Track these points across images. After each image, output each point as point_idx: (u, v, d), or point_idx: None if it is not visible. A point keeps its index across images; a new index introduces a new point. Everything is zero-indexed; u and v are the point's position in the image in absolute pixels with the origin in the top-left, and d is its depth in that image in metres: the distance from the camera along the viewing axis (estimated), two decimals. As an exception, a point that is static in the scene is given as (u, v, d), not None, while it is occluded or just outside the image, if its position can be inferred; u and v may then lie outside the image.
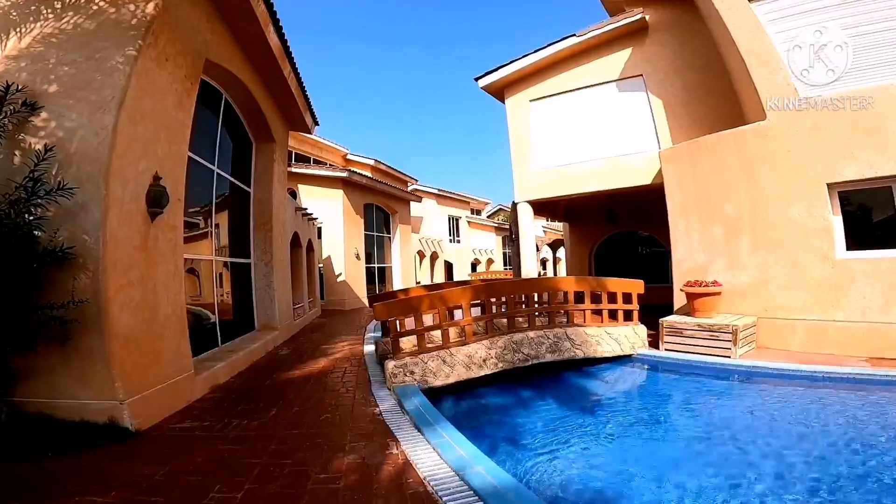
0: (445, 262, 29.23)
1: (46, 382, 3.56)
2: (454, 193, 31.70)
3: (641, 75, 9.37)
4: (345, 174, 16.45)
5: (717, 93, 8.47)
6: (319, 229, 16.32)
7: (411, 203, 23.16)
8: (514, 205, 12.24)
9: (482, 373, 5.75)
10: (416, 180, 27.74)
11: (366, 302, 17.68)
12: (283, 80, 8.23)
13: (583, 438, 4.22)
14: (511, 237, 16.93)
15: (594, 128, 9.97)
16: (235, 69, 6.67)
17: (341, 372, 6.08)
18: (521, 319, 6.63)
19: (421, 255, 25.74)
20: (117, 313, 3.63)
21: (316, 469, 3.00)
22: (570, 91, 10.29)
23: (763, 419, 4.51)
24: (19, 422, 3.41)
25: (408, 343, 5.88)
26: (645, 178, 9.29)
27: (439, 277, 28.29)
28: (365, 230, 18.61)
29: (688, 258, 8.15)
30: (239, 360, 6.26)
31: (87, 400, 3.56)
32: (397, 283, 21.42)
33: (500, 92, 11.19)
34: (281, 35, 7.25)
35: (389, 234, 21.61)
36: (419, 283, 26.02)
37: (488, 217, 38.64)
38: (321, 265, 16.36)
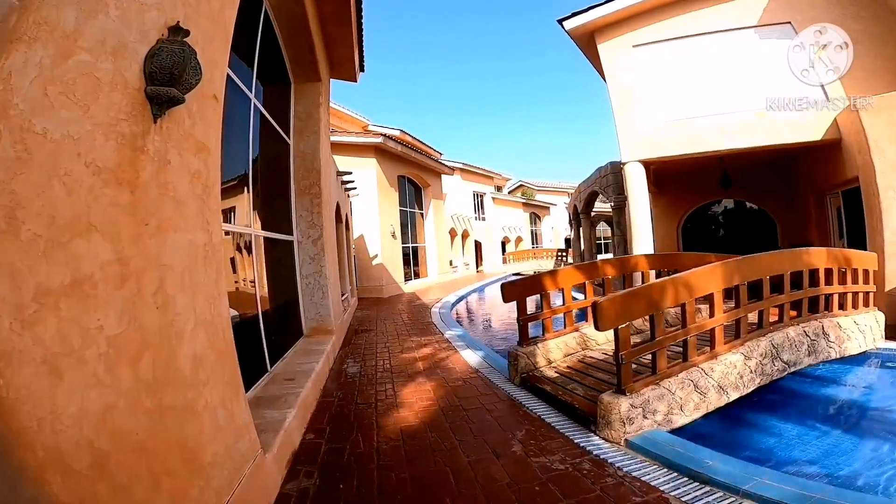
0: (475, 241, 26.88)
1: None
2: (479, 168, 29.13)
3: (790, 23, 7.71)
4: (378, 140, 13.97)
5: (893, 44, 7.02)
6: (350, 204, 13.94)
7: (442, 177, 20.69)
8: (617, 166, 9.84)
9: (734, 395, 3.64)
10: (441, 154, 25.16)
11: (404, 288, 15.48)
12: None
13: None
14: (573, 218, 14.72)
15: (726, 78, 8.28)
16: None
17: (476, 406, 3.84)
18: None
19: (452, 233, 23.37)
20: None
21: None
22: (689, 37, 8.42)
23: None
24: None
25: (559, 356, 4.40)
26: (812, 134, 7.60)
27: (471, 258, 25.98)
28: (399, 205, 16.23)
29: None
30: (308, 398, 3.97)
31: None
32: (432, 264, 19.16)
33: (588, 37, 9.19)
34: None
35: (422, 210, 19.22)
36: (467, 264, 23.68)
37: (509, 193, 36.09)
38: (353, 246, 14.03)
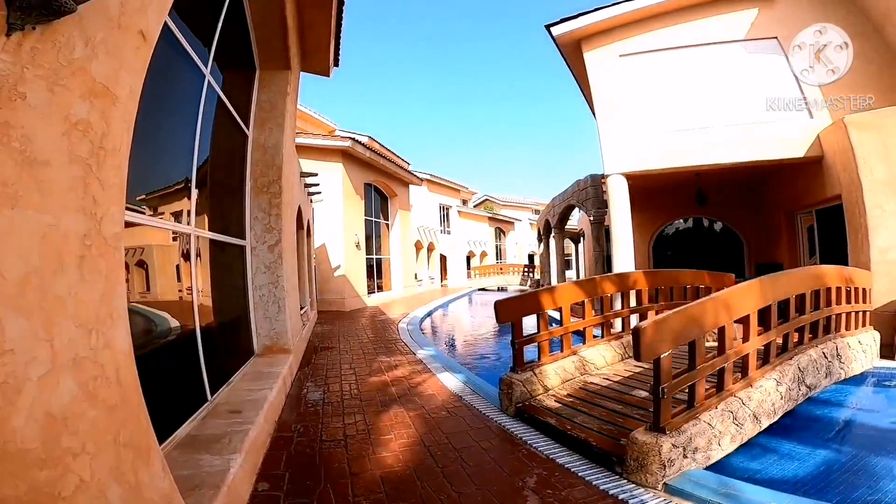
0: (441, 255, 26.28)
1: None
2: (446, 180, 28.74)
3: (776, 38, 7.69)
4: (346, 144, 13.17)
5: (878, 62, 7.03)
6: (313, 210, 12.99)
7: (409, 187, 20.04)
8: (597, 179, 9.55)
9: (766, 424, 3.23)
10: (409, 164, 24.54)
11: (367, 301, 14.57)
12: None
13: None
14: (544, 233, 14.40)
15: (713, 92, 8.15)
16: None
17: (469, 444, 3.15)
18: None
19: (418, 246, 22.65)
20: None
21: None
22: (676, 48, 8.33)
23: None
24: None
25: (556, 382, 3.90)
26: (796, 150, 7.50)
27: (436, 272, 25.31)
28: (364, 214, 15.39)
29: None
30: (260, 436, 3.13)
31: None
32: (397, 278, 18.32)
33: (574, 45, 8.93)
34: None
35: (388, 220, 18.43)
36: (432, 278, 22.83)
37: (475, 207, 35.90)
38: (315, 255, 13.04)
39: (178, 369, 3.31)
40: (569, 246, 26.04)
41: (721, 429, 2.77)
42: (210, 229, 4.39)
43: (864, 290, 5.04)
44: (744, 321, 3.06)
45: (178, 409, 3.06)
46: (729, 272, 7.53)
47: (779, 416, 3.36)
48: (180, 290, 3.58)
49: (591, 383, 4.16)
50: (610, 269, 9.73)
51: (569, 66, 9.94)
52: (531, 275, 23.47)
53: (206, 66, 4.02)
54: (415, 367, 5.81)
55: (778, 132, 7.30)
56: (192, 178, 3.72)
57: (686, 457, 2.56)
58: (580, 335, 4.62)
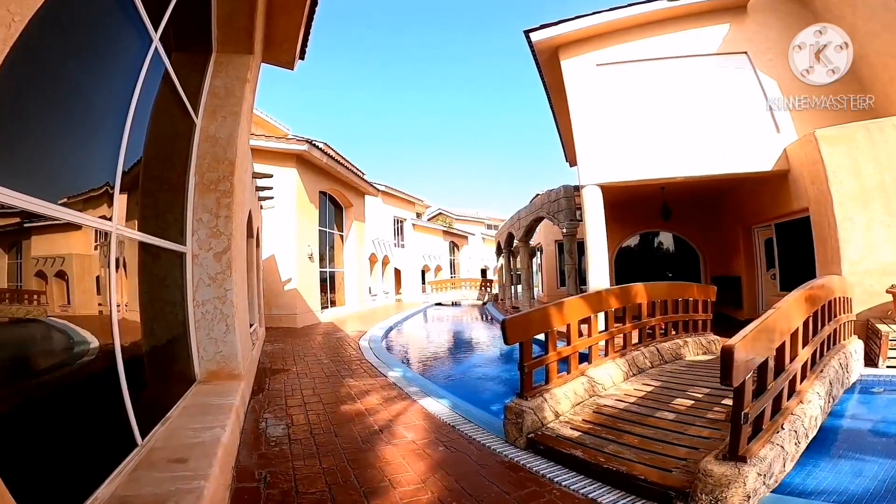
0: (395, 269, 25.44)
1: None
2: (402, 192, 28.12)
3: (746, 53, 7.90)
4: (303, 148, 12.23)
5: (842, 80, 7.18)
6: (262, 217, 11.88)
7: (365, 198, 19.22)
8: (570, 190, 9.36)
9: (810, 438, 2.72)
10: (365, 173, 23.70)
11: (320, 317, 13.53)
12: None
13: None
14: (505, 247, 13.95)
15: (686, 104, 8.24)
16: None
17: (491, 492, 2.52)
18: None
19: (373, 259, 21.73)
20: None
21: None
22: (652, 60, 8.39)
23: None
24: None
25: (567, 407, 3.44)
26: (763, 164, 7.63)
27: (391, 286, 24.40)
28: (318, 224, 14.39)
29: (868, 256, 5.99)
30: (216, 495, 2.33)
31: None
32: (351, 292, 17.32)
33: (551, 52, 8.81)
34: None
35: (343, 231, 17.47)
36: (387, 293, 21.73)
37: (429, 220, 35.48)
38: (262, 267, 11.88)
39: (89, 405, 2.44)
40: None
41: (789, 450, 2.38)
42: (141, 230, 3.51)
43: (849, 299, 5.01)
44: (794, 335, 2.72)
45: (93, 461, 2.21)
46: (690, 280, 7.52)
47: (816, 431, 3.05)
48: (100, 304, 2.71)
49: (606, 406, 3.69)
50: (583, 283, 9.53)
51: (541, 76, 9.81)
52: (489, 290, 23.21)
53: (157, 30, 3.24)
54: (389, 391, 5.09)
55: (746, 146, 7.44)
56: (118, 161, 2.88)
57: (765, 484, 2.12)
58: (584, 354, 4.17)
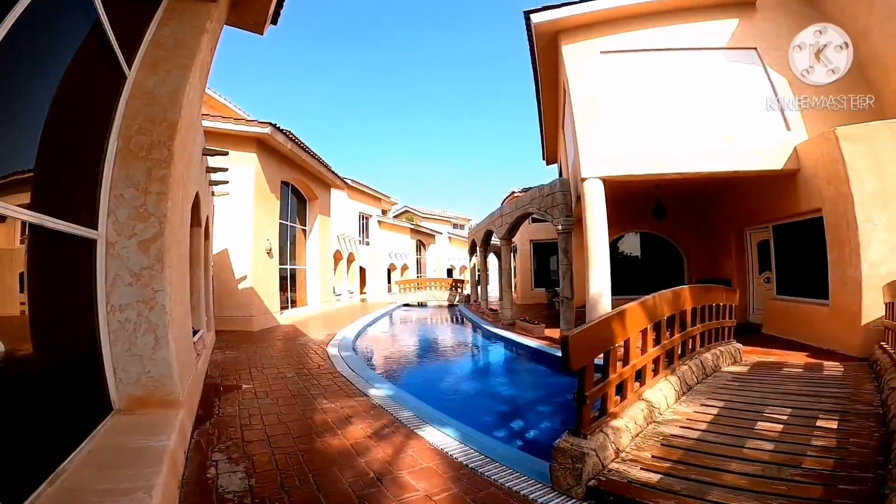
0: (360, 267, 24.11)
1: None
2: (368, 187, 26.82)
3: (755, 49, 7.49)
4: (265, 131, 10.86)
5: (849, 79, 6.89)
6: (213, 206, 10.42)
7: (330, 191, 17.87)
8: (566, 184, 8.63)
9: None
10: (330, 166, 22.24)
11: (279, 319, 12.19)
12: None
13: None
14: (481, 245, 12.89)
15: (693, 97, 7.68)
16: None
17: None
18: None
19: (337, 256, 20.35)
20: None
21: None
22: (659, 50, 7.82)
23: None
24: None
25: (627, 441, 2.67)
26: (775, 162, 7.12)
27: (355, 285, 23.04)
28: (279, 217, 13.01)
29: (889, 258, 5.65)
30: None
31: None
32: (314, 291, 15.97)
33: (551, 36, 8.13)
34: None
35: (306, 226, 16.08)
36: (351, 292, 20.25)
37: (394, 218, 34.25)
38: (212, 262, 10.42)
39: None
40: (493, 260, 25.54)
41: None
42: (34, 207, 2.37)
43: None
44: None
45: None
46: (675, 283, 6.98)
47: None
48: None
49: (673, 436, 2.87)
50: (573, 285, 8.84)
51: (533, 64, 9.11)
52: (460, 290, 22.34)
53: None
54: (376, 418, 4.06)
55: (756, 144, 7.01)
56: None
57: None
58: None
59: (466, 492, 2.55)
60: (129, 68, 3.59)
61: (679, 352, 3.99)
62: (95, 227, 3.25)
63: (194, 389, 4.44)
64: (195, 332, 6.28)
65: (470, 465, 2.93)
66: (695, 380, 4.00)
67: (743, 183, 8.54)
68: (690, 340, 4.21)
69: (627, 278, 11.97)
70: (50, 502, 1.92)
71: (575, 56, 7.68)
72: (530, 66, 9.28)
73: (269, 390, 5.07)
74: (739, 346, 5.48)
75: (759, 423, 3.06)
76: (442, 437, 3.51)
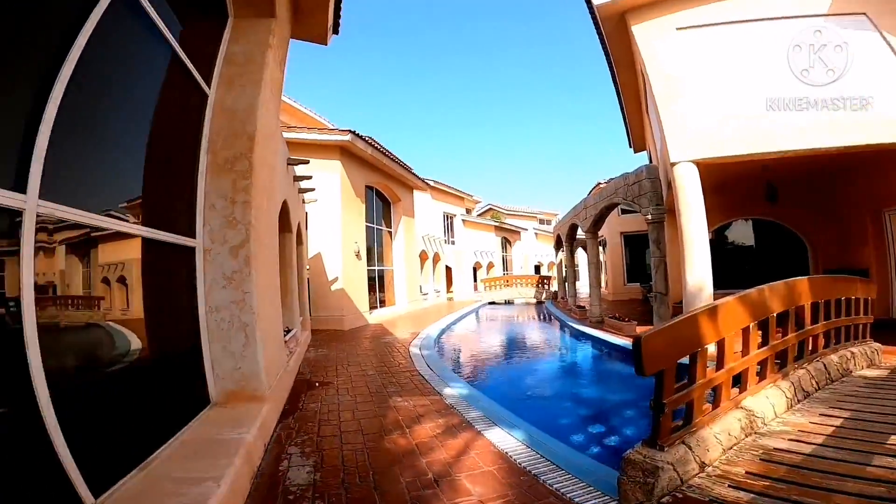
0: (446, 266, 24.55)
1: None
2: (450, 187, 27.14)
3: (864, 14, 6.20)
4: (346, 139, 11.53)
5: None
6: (306, 214, 11.31)
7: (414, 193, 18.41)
8: (654, 170, 7.94)
9: None
10: (411, 168, 22.98)
11: (369, 318, 12.83)
12: None
13: None
14: (567, 240, 12.34)
15: (794, 69, 6.44)
16: None
17: None
18: None
19: (423, 256, 20.94)
20: None
21: None
22: (745, 21, 6.68)
23: None
24: None
25: (717, 453, 2.19)
26: None
27: (442, 284, 23.53)
28: (365, 220, 13.71)
29: None
30: None
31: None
32: (401, 291, 16.57)
33: (617, 17, 7.42)
34: None
35: (391, 228, 16.75)
36: (438, 291, 20.95)
37: (478, 216, 34.24)
38: (308, 266, 11.31)
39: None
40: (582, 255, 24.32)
41: None
42: (145, 223, 2.77)
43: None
44: None
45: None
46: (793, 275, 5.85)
47: None
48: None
49: (777, 450, 2.44)
50: (668, 279, 8.04)
51: (604, 49, 8.46)
52: (547, 287, 21.68)
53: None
54: (445, 417, 4.05)
55: (883, 114, 5.72)
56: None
57: None
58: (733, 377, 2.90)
59: (522, 500, 2.41)
60: (209, 86, 4.01)
61: (795, 353, 3.38)
62: (194, 236, 3.67)
63: (283, 385, 4.82)
64: (288, 331, 6.85)
65: (533, 472, 2.77)
66: (814, 386, 3.35)
67: (879, 158, 7.06)
68: (810, 340, 3.54)
69: (739, 270, 10.63)
70: (135, 486, 2.17)
71: (647, 35, 6.95)
72: (601, 50, 8.61)
73: (350, 387, 5.33)
74: (878, 346, 4.51)
75: (892, 436, 2.46)
76: (507, 439, 3.39)
